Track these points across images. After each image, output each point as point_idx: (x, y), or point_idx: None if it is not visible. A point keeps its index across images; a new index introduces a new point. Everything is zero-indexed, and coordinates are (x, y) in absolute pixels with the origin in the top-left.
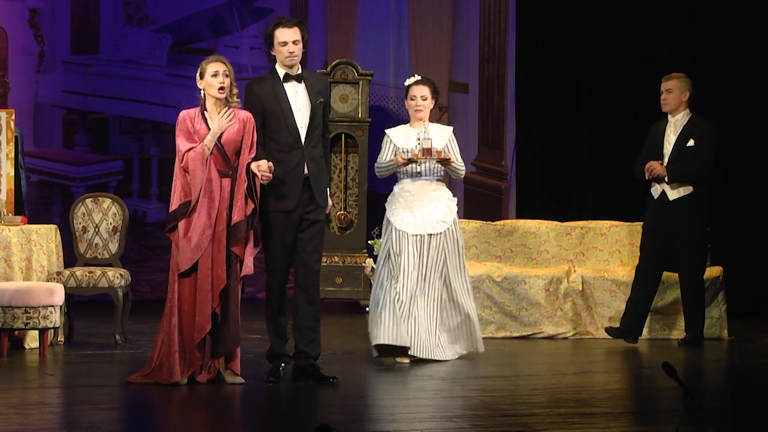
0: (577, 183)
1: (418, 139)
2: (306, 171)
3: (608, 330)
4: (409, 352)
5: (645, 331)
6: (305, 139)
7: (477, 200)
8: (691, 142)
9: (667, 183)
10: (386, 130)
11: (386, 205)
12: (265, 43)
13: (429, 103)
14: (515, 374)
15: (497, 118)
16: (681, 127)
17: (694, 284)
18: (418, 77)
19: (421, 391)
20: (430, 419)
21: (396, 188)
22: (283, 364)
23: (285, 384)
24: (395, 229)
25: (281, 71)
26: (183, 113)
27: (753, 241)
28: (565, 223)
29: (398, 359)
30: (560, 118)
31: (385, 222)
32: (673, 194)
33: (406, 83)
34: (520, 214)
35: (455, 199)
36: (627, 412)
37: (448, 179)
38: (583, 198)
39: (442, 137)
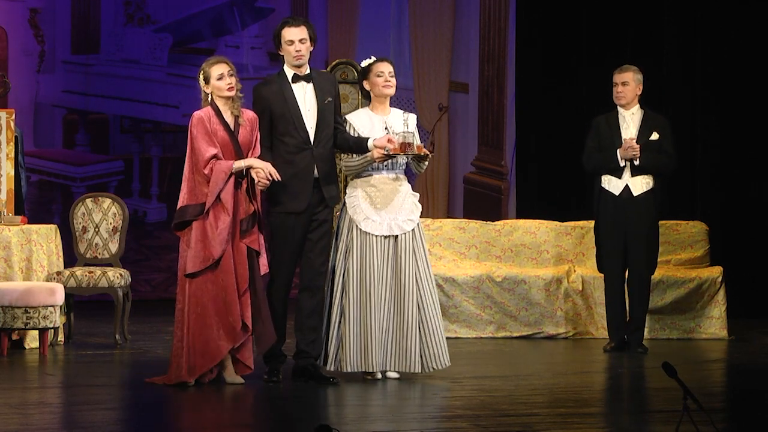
0: (577, 183)
1: (386, 128)
2: (316, 172)
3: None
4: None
5: (645, 332)
6: (314, 139)
7: (477, 200)
8: (655, 136)
9: (637, 170)
10: (347, 116)
11: (346, 198)
12: (273, 42)
13: (395, 81)
14: (515, 374)
15: (497, 118)
16: (640, 121)
17: (645, 284)
18: (374, 57)
19: (421, 391)
20: (430, 419)
21: (358, 181)
22: (281, 365)
23: (285, 384)
24: (359, 231)
25: (289, 72)
26: (199, 115)
27: (753, 241)
28: (565, 223)
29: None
30: (560, 118)
31: (345, 219)
32: (637, 189)
33: (365, 63)
34: (520, 214)
35: (417, 194)
36: (627, 412)
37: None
38: (583, 198)
39: (411, 124)
